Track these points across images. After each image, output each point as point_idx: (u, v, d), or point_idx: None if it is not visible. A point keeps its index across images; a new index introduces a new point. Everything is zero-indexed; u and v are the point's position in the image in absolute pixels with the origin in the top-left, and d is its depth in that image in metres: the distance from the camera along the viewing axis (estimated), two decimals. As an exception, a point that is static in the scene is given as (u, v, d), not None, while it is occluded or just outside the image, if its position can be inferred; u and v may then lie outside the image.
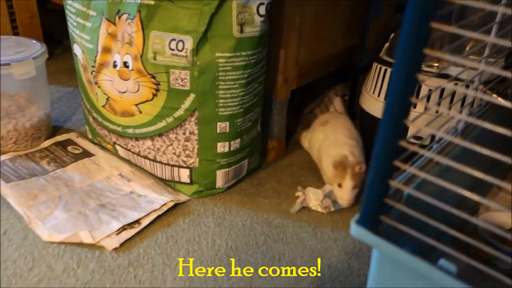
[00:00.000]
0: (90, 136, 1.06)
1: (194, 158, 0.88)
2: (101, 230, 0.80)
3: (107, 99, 0.91)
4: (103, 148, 1.03)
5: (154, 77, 0.83)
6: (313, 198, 0.90)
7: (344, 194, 0.86)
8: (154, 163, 0.92)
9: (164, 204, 0.87)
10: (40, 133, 1.03)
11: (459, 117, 0.56)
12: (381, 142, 0.43)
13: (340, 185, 0.86)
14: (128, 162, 0.99)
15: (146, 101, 0.86)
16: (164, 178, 0.93)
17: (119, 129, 0.93)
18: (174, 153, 0.88)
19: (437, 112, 0.87)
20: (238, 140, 0.89)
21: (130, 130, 0.91)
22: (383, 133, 0.42)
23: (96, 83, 0.92)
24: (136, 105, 0.87)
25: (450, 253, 0.43)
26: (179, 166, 0.90)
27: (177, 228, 0.84)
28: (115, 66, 0.87)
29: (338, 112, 1.10)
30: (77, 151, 1.02)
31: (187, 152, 0.88)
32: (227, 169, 0.91)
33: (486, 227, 0.61)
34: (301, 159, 1.06)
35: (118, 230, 0.80)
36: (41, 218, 0.82)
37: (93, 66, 0.91)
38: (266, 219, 0.88)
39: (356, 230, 0.48)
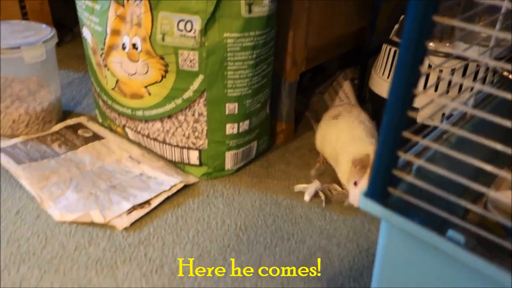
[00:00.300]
0: (100, 120, 1.07)
1: (203, 139, 0.89)
2: (112, 210, 0.81)
3: (117, 82, 0.92)
4: (113, 131, 1.04)
5: (162, 58, 0.83)
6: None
7: (359, 193, 0.81)
8: (164, 145, 0.92)
9: (174, 185, 0.87)
10: (51, 117, 1.04)
11: (475, 86, 0.55)
12: (389, 112, 0.42)
13: (356, 184, 0.81)
14: (138, 144, 0.99)
15: (155, 82, 0.86)
16: (173, 160, 0.93)
17: (129, 111, 0.94)
18: (183, 135, 0.89)
19: (449, 84, 0.85)
20: (247, 122, 0.89)
21: (139, 113, 0.92)
22: (392, 103, 0.42)
23: (105, 65, 0.93)
24: (145, 87, 0.88)
25: (459, 224, 0.43)
26: (188, 148, 0.90)
27: (187, 209, 0.85)
28: (124, 48, 0.87)
29: (350, 104, 1.04)
30: (87, 135, 1.02)
31: (196, 133, 0.88)
32: (236, 151, 0.91)
33: (496, 197, 0.61)
34: (310, 142, 1.06)
35: (128, 210, 0.81)
36: (53, 198, 0.83)
37: (102, 49, 0.92)
38: (275, 200, 0.88)
39: (364, 203, 0.48)
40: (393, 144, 0.44)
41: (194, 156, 0.91)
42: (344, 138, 0.88)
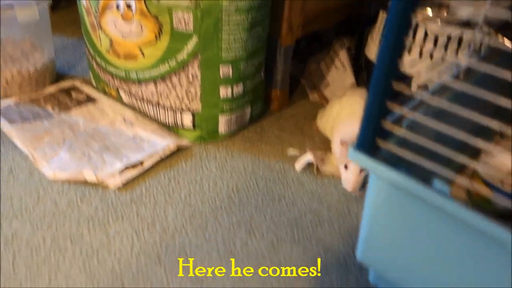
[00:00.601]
0: (94, 83, 1.06)
1: (196, 102, 0.88)
2: (105, 170, 0.81)
3: (110, 43, 0.91)
4: (107, 94, 1.03)
5: (157, 19, 0.82)
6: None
7: (350, 177, 0.76)
8: (157, 107, 0.92)
9: (167, 148, 0.87)
10: (44, 79, 1.03)
11: (476, 38, 0.55)
12: (381, 60, 0.42)
13: (346, 167, 0.77)
14: (132, 108, 0.99)
15: (149, 43, 0.85)
16: (167, 123, 0.93)
17: (122, 73, 0.93)
18: (177, 98, 0.89)
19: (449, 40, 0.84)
20: (241, 85, 0.89)
21: (133, 74, 0.91)
22: (383, 51, 0.42)
23: (99, 26, 0.92)
24: (139, 47, 0.87)
25: (446, 176, 0.44)
26: (182, 111, 0.90)
27: (180, 171, 0.85)
28: (118, 8, 0.86)
29: (357, 88, 1.00)
30: (81, 97, 1.02)
31: (190, 96, 0.88)
32: (229, 115, 0.91)
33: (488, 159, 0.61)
34: (305, 109, 1.06)
35: (121, 170, 0.81)
36: (46, 158, 0.83)
37: (96, 9, 0.90)
38: (267, 164, 0.89)
39: (353, 155, 0.48)
40: (383, 94, 0.44)
41: (187, 119, 0.90)
42: (343, 114, 0.85)
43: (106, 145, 0.88)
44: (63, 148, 0.86)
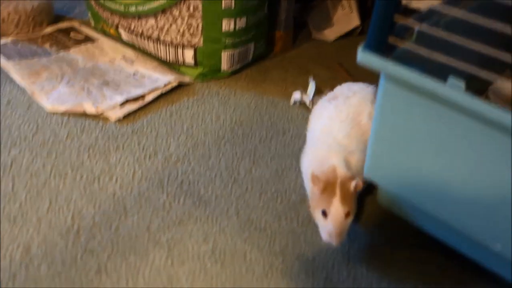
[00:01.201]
0: (92, 24, 1.03)
1: (198, 37, 0.86)
2: (105, 103, 0.80)
3: (109, -25, 0.88)
4: (106, 34, 1.01)
5: None
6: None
7: (332, 226, 0.52)
8: (158, 43, 0.89)
9: (169, 83, 0.85)
10: (41, 18, 1.00)
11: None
12: None
13: (325, 213, 0.53)
14: (132, 47, 0.96)
15: (149, -27, 0.82)
16: (168, 60, 0.91)
17: (122, 8, 0.90)
18: (178, 32, 0.86)
19: None
20: (243, 19, 0.86)
21: (132, 8, 0.88)
22: None
23: (97, -41, 0.89)
24: (139, -22, 0.84)
25: (461, 68, 0.42)
26: (183, 46, 0.87)
27: (181, 106, 0.83)
28: None
29: (361, 84, 0.68)
30: (79, 37, 0.99)
31: (191, 30, 0.85)
32: (232, 51, 0.88)
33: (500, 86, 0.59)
34: (309, 52, 1.03)
35: (121, 103, 0.80)
36: (45, 92, 0.81)
37: None
38: (271, 101, 0.86)
39: (362, 56, 0.46)
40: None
41: (189, 55, 0.88)
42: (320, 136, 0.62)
43: (106, 81, 0.86)
44: (62, 83, 0.84)
